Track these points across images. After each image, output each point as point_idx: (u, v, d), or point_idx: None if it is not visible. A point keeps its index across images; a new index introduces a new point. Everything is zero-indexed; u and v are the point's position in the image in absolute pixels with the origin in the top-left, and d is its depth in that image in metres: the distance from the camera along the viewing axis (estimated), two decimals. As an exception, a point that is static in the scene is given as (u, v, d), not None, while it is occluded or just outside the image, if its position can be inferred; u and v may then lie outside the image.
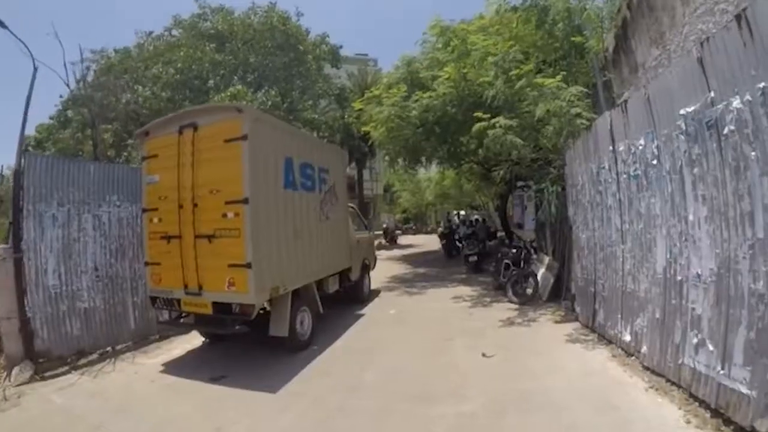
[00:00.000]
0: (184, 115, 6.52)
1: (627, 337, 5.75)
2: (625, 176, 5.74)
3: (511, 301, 9.32)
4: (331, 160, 8.63)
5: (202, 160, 6.06)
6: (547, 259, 10.14)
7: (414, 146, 13.91)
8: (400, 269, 16.81)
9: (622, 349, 5.84)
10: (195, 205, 6.07)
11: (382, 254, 21.82)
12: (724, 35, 3.74)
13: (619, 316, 5.97)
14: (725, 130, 3.80)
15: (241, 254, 5.63)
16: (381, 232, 32.23)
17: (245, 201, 5.63)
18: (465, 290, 11.37)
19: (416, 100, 12.24)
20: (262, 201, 5.96)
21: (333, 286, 8.63)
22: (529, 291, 9.32)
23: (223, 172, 5.82)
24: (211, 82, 19.89)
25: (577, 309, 7.60)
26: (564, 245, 9.40)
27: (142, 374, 6.20)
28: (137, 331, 7.61)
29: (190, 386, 5.68)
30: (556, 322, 7.72)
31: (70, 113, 20.48)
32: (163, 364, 6.59)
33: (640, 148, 5.27)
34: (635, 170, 5.47)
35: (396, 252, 24.17)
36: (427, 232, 46.46)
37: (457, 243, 19.72)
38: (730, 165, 3.80)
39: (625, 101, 5.72)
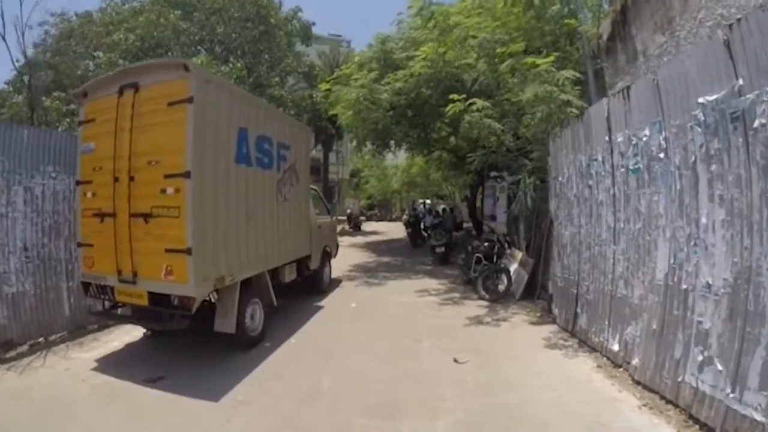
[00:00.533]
0: (126, 72, 5.53)
1: (615, 347, 5.22)
2: (622, 170, 5.17)
3: (481, 298, 8.74)
4: (294, 136, 7.74)
5: (141, 126, 5.11)
6: (520, 255, 9.60)
7: (384, 130, 13.18)
8: (364, 257, 16.03)
9: (608, 358, 5.34)
10: (131, 179, 5.13)
11: (345, 241, 21.09)
12: (759, 17, 3.20)
13: (607, 322, 5.44)
14: (755, 123, 3.25)
15: (180, 237, 4.73)
16: (345, 218, 31.56)
17: (186, 175, 4.70)
18: (431, 283, 10.74)
19: (388, 83, 11.50)
20: (208, 176, 5.05)
21: (290, 276, 7.80)
22: (501, 288, 8.76)
23: (164, 141, 4.90)
24: (172, 52, 18.52)
25: (555, 310, 7.07)
26: (540, 241, 8.87)
27: (73, 371, 5.34)
28: (73, 320, 6.66)
29: (122, 389, 4.86)
30: (532, 323, 7.17)
31: (26, 78, 18.93)
32: (97, 360, 5.72)
33: (644, 139, 4.70)
34: (635, 164, 4.90)
35: (359, 239, 23.41)
36: (391, 219, 46.09)
37: (423, 232, 19.15)
38: (758, 163, 3.25)
39: (628, 87, 5.11)
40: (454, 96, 8.04)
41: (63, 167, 6.53)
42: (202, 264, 4.86)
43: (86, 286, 5.78)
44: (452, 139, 16.62)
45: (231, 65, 18.05)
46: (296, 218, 7.77)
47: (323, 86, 14.32)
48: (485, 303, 8.48)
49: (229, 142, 5.53)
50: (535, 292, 8.54)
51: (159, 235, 4.87)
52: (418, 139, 15.25)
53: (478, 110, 7.35)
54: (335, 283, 10.66)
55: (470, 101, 7.56)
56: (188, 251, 4.69)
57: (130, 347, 6.29)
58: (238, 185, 5.71)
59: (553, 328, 6.81)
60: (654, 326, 4.46)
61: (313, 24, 23.14)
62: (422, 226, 19.35)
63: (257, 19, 20.53)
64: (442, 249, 13.31)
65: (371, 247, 19.71)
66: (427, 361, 5.65)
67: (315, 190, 9.93)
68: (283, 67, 21.70)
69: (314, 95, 21.74)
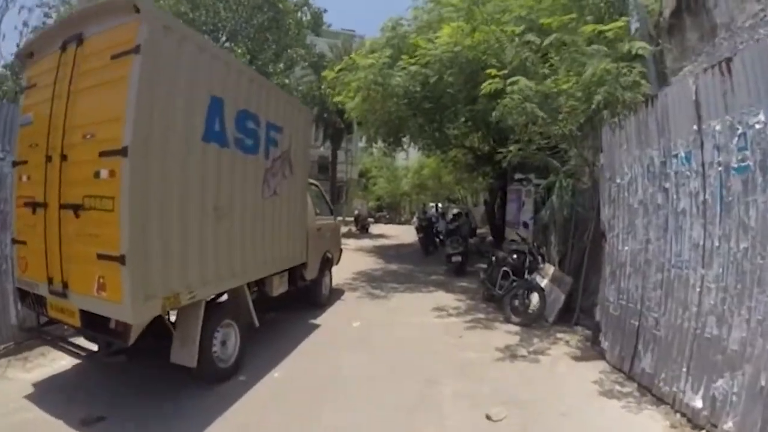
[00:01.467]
0: (70, 21, 4.34)
1: (696, 402, 3.94)
2: (719, 169, 3.87)
3: (509, 320, 7.42)
4: (289, 117, 6.41)
5: (81, 89, 3.90)
6: (552, 270, 8.29)
7: (397, 121, 11.90)
8: (370, 263, 14.71)
9: (685, 416, 4.06)
10: (64, 158, 3.92)
11: (350, 243, 20.00)
12: None
13: (685, 369, 4.16)
14: None
15: (114, 240, 3.45)
16: (352, 219, 30.39)
17: (123, 152, 3.41)
18: (447, 299, 9.41)
19: (403, 68, 10.24)
20: (157, 154, 3.74)
21: (279, 288, 6.49)
22: (533, 309, 7.42)
23: (102, 107, 3.68)
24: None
25: (604, 343, 5.77)
26: (580, 255, 7.60)
27: (2, 400, 4.24)
28: (22, 329, 5.43)
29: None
30: (576, 358, 5.86)
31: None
32: (36, 384, 4.63)
33: (757, 127, 3.44)
34: (742, 160, 3.62)
35: (366, 242, 22.12)
36: (400, 222, 44.92)
37: (436, 238, 17.84)
38: None
39: (728, 59, 3.81)
40: (492, 71, 6.73)
41: (13, 146, 5.30)
42: (142, 277, 3.58)
43: (24, 293, 4.61)
44: (472, 137, 15.41)
45: (231, 50, 16.99)
46: (289, 218, 6.47)
47: (329, 74, 13.00)
48: (515, 328, 7.16)
49: (195, 112, 4.22)
50: (572, 316, 7.25)
51: (91, 234, 3.61)
52: (435, 136, 13.99)
53: (519, 90, 6.02)
54: (336, 294, 9.37)
55: (512, 79, 6.22)
56: (122, 259, 3.40)
57: (78, 368, 5.11)
58: (206, 171, 4.39)
59: (603, 365, 5.52)
60: (762, 383, 3.24)
61: (324, 11, 22.04)
62: (434, 231, 18.04)
63: (266, 5, 19.45)
64: (459, 258, 11.96)
65: (379, 251, 18.39)
66: (450, 417, 4.29)
67: (316, 185, 8.67)
68: (290, 55, 20.61)
69: (323, 86, 20.69)
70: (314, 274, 7.66)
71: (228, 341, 4.87)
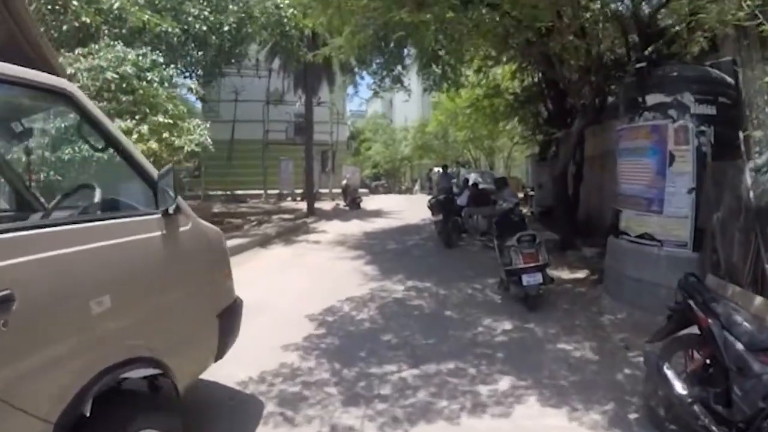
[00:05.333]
0: None
1: None
2: None
3: None
4: None
5: None
6: None
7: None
8: (351, 281, 7.98)
9: None
10: None
11: (331, 230, 14.60)
12: None
13: None
14: None
15: None
16: (340, 191, 25.06)
17: None
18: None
19: None
20: None
21: None
22: None
23: None
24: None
25: None
26: None
27: None
28: None
29: None
30: None
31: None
32: None
33: None
34: None
35: (354, 225, 15.96)
36: (400, 192, 39.78)
37: (458, 218, 11.93)
38: None
39: None
40: None
41: None
42: None
43: None
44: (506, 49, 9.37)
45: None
46: None
47: None
48: None
49: None
50: None
51: None
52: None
53: None
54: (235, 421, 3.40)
55: None
56: None
57: None
58: None
59: None
60: None
61: None
62: (457, 209, 12.10)
63: None
64: (540, 281, 5.80)
65: (371, 246, 11.97)
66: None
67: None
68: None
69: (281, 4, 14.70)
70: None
71: None
